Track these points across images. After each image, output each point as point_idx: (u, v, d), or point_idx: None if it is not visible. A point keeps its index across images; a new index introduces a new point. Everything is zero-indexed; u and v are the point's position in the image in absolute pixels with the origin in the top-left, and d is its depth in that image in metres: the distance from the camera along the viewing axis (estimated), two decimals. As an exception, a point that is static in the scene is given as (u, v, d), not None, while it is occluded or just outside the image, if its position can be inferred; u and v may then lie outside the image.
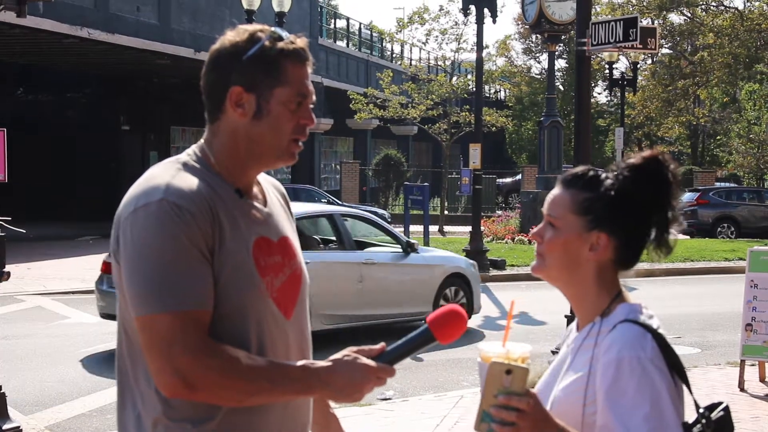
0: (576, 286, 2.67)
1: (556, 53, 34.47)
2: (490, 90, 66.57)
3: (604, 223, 2.61)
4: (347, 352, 2.72)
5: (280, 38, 2.76)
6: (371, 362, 2.69)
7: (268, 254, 2.79)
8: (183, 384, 2.54)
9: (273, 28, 2.79)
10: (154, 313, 2.55)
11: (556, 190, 2.69)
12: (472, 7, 23.52)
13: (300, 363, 2.69)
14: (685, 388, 2.55)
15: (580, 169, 2.72)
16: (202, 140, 2.84)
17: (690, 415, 2.58)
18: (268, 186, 2.98)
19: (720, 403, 2.69)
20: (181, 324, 2.55)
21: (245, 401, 2.65)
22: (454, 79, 39.31)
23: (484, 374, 2.40)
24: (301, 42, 2.80)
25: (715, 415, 2.64)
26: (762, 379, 10.83)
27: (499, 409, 2.38)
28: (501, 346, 2.45)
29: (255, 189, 2.88)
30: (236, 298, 2.67)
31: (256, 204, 2.84)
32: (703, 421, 2.61)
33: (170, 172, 2.70)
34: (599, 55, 39.88)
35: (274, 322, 2.76)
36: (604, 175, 2.66)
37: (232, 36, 2.77)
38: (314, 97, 2.84)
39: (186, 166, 2.74)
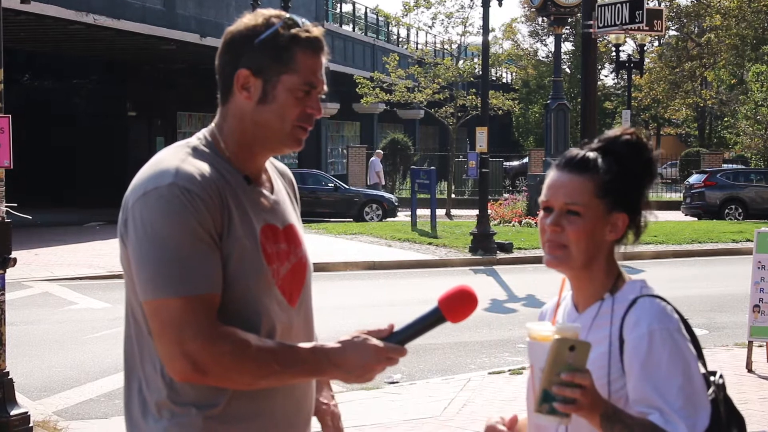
0: (591, 269, 2.66)
1: (563, 36, 34.48)
2: (496, 73, 66.41)
3: (623, 202, 2.62)
4: (356, 334, 2.72)
5: (295, 25, 2.75)
6: (381, 343, 2.69)
7: (274, 242, 2.79)
8: (194, 368, 2.56)
9: (290, 15, 2.78)
10: (164, 297, 2.56)
11: (565, 177, 2.64)
12: (478, -10, 23.47)
13: (310, 345, 2.70)
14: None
15: (580, 152, 2.68)
16: (213, 124, 2.85)
17: None
18: (275, 173, 2.98)
19: (714, 372, 2.72)
20: (191, 309, 2.56)
21: (256, 384, 2.66)
22: (461, 62, 39.21)
23: (541, 353, 2.36)
24: (317, 31, 2.79)
25: (716, 380, 2.68)
26: (770, 361, 10.82)
27: (562, 387, 2.33)
28: (551, 325, 2.43)
29: (263, 176, 2.88)
30: (243, 284, 2.68)
31: (263, 191, 2.84)
32: (714, 387, 2.64)
33: (179, 156, 2.70)
34: (606, 37, 39.78)
35: (279, 310, 2.77)
36: (602, 155, 2.65)
37: (248, 19, 2.78)
38: (325, 87, 2.82)
39: (195, 151, 2.74)
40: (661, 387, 2.46)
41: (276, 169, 3.01)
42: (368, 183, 39.91)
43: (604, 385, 2.54)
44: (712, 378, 2.67)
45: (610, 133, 2.69)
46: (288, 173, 3.08)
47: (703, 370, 2.61)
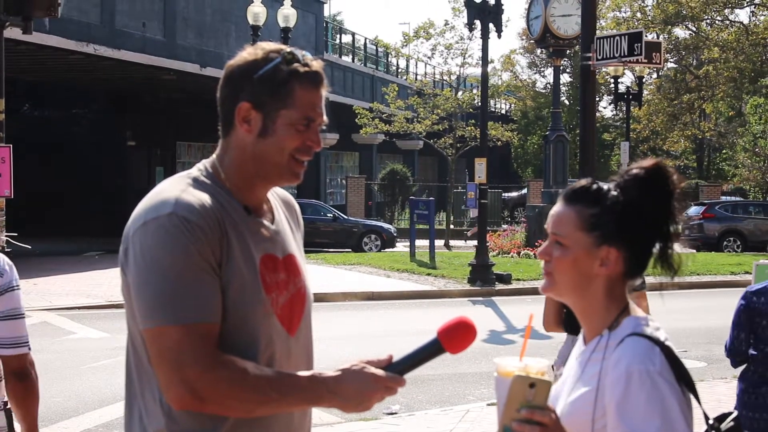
0: (586, 301, 2.64)
1: (561, 67, 34.54)
2: (495, 104, 66.56)
3: (613, 237, 2.58)
4: (355, 362, 2.72)
5: (295, 59, 2.76)
6: (380, 372, 2.68)
7: (273, 271, 2.80)
8: (192, 396, 2.56)
9: (290, 49, 2.79)
10: (163, 325, 2.57)
11: (559, 207, 2.65)
12: (477, 22, 23.56)
13: (308, 373, 2.70)
14: (693, 400, 2.54)
15: (582, 183, 2.68)
16: (214, 155, 2.86)
17: (699, 427, 2.57)
18: (278, 202, 3.00)
19: (730, 413, 2.68)
20: (189, 336, 2.57)
21: (254, 412, 2.66)
22: (460, 93, 39.30)
23: (504, 389, 2.37)
24: (317, 65, 2.80)
25: (725, 426, 2.64)
26: None
27: (522, 424, 2.35)
28: (518, 361, 2.43)
29: (264, 206, 2.89)
30: (241, 313, 2.69)
31: (263, 221, 2.85)
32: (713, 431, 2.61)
33: (180, 187, 2.72)
34: (604, 69, 39.90)
35: (278, 339, 2.78)
36: (606, 188, 2.62)
37: (248, 53, 2.80)
38: (325, 119, 2.84)
39: (196, 182, 2.76)
40: (636, 429, 2.42)
41: (279, 199, 3.02)
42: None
43: (588, 422, 2.52)
44: (711, 422, 2.64)
45: (634, 165, 2.65)
46: (292, 202, 3.09)
47: (701, 412, 2.58)
